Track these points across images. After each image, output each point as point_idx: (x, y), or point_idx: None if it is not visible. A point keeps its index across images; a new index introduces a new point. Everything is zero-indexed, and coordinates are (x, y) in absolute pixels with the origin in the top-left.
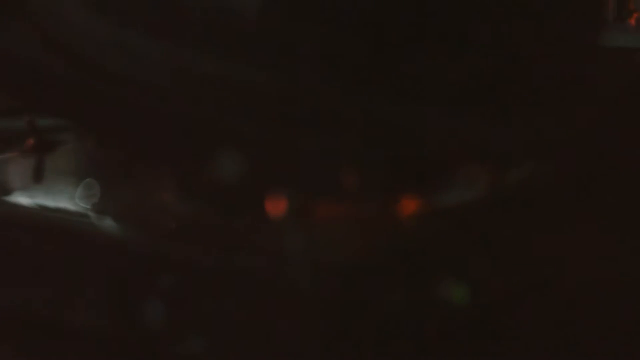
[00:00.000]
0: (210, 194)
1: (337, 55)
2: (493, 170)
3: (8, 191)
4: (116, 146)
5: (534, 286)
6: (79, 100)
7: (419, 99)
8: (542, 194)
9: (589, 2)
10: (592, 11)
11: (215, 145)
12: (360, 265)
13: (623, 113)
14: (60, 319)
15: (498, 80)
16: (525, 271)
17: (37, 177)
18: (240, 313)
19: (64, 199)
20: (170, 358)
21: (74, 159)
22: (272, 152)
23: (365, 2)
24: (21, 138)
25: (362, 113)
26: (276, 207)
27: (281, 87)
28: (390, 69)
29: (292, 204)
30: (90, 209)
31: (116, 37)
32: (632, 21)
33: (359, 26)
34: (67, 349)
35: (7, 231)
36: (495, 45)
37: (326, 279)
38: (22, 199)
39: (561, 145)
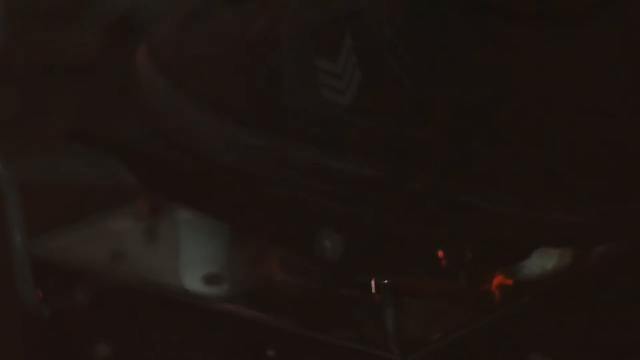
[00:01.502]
0: (313, 272)
1: (427, 148)
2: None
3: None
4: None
5: None
6: (190, 185)
7: (499, 186)
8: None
9: None
10: None
11: (319, 228)
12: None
13: None
14: None
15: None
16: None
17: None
18: None
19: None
20: None
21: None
22: (369, 235)
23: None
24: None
25: (451, 201)
26: (371, 285)
27: (376, 176)
28: (477, 163)
29: (387, 282)
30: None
31: (225, 132)
32: None
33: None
34: None
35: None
36: None
37: (413, 354)
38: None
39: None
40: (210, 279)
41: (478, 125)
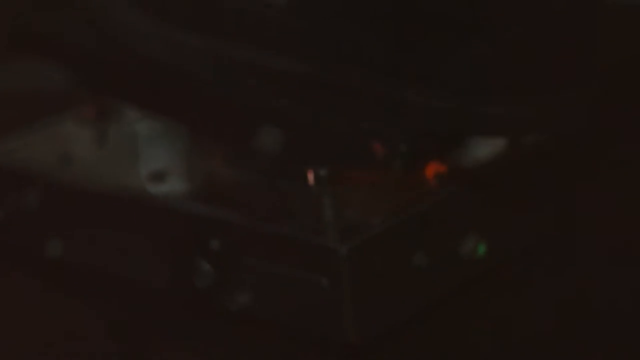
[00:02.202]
0: (254, 164)
1: (361, 45)
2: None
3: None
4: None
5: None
6: (133, 86)
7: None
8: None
9: None
10: None
11: (258, 124)
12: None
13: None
14: (125, 275)
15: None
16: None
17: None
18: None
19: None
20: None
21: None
22: (306, 129)
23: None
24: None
25: (385, 96)
26: (311, 176)
27: (311, 73)
28: (410, 59)
29: (324, 173)
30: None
31: (161, 31)
32: None
33: (382, 22)
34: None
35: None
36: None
37: (353, 240)
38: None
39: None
40: (154, 177)
41: (412, 21)
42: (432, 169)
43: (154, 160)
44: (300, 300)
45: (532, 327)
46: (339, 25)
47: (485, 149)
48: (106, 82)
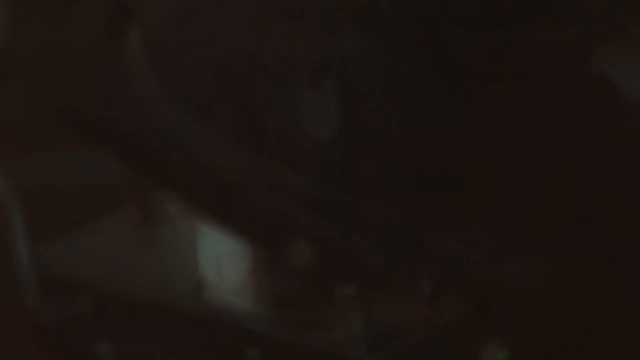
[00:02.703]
0: (290, 276)
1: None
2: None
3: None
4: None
5: None
6: (179, 183)
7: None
8: None
9: None
10: None
11: (296, 237)
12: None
13: None
14: None
15: None
16: None
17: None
18: None
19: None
20: None
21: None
22: (341, 248)
23: None
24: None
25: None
26: (342, 291)
27: (347, 202)
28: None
29: (354, 289)
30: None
31: (210, 138)
32: None
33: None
34: None
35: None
36: None
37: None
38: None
39: None
40: (195, 284)
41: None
42: (454, 298)
43: (195, 266)
44: None
45: None
46: (375, 164)
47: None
48: (154, 175)
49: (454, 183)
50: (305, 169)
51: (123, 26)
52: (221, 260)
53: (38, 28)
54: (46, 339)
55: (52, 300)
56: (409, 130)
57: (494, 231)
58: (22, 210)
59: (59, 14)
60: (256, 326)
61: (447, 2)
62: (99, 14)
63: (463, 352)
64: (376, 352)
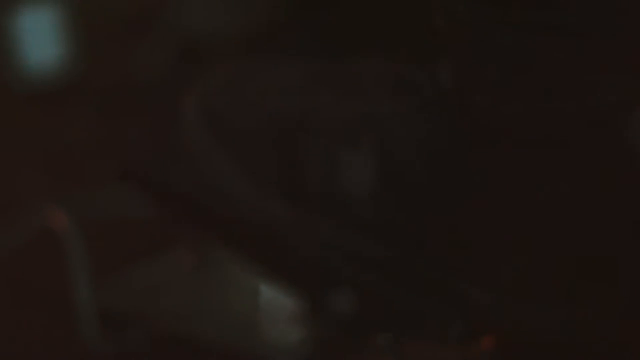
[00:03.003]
0: (331, 325)
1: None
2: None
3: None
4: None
5: None
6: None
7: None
8: None
9: None
10: None
11: (336, 286)
12: None
13: None
14: None
15: None
16: None
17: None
18: None
19: None
20: None
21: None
22: (378, 300)
23: None
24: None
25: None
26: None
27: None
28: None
29: (391, 340)
30: None
31: (256, 198)
32: None
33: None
34: None
35: None
36: None
37: None
38: None
39: None
40: (244, 327)
41: (479, 227)
42: (485, 343)
43: (243, 310)
44: None
45: None
46: (408, 218)
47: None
48: (206, 229)
49: (480, 236)
50: (343, 223)
51: (189, 67)
52: (267, 306)
53: (107, 63)
54: None
55: (108, 335)
56: (438, 188)
57: (516, 280)
58: (82, 245)
59: (129, 51)
60: None
61: (480, 74)
62: (169, 52)
63: None
64: None
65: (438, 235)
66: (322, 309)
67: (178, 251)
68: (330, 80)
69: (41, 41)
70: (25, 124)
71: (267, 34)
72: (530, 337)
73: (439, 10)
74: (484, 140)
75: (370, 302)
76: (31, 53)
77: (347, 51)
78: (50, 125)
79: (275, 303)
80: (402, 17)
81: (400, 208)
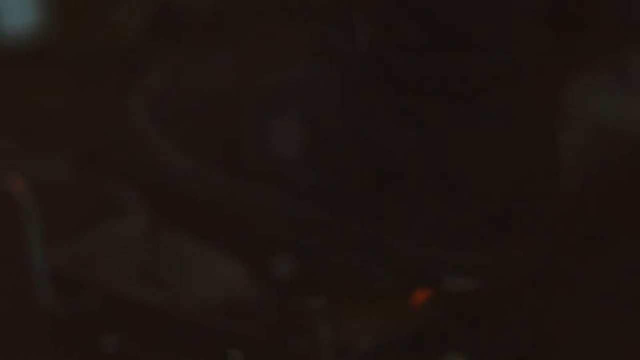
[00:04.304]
0: (271, 286)
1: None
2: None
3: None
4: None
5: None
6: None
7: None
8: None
9: None
10: None
11: (275, 251)
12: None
13: None
14: None
15: None
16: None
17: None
18: None
19: None
20: None
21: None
22: (314, 262)
23: None
24: None
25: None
26: (313, 301)
27: (315, 216)
28: (393, 212)
29: (324, 300)
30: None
31: (200, 172)
32: None
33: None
34: None
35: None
36: None
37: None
38: None
39: None
40: (189, 290)
41: (396, 181)
42: (417, 297)
43: (189, 277)
44: None
45: None
46: (335, 175)
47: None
48: (156, 203)
49: (399, 183)
50: (278, 189)
51: (162, 28)
52: (211, 271)
53: (82, 28)
54: (57, 331)
55: (63, 297)
56: (362, 143)
57: (437, 226)
58: (38, 210)
59: (102, 14)
60: (238, 330)
61: (391, 31)
62: (141, 16)
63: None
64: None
65: (367, 194)
66: (263, 274)
67: (129, 217)
68: (256, 53)
69: (17, 5)
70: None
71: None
72: (461, 287)
73: None
74: (404, 97)
75: (306, 264)
76: (6, 16)
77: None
78: (21, 89)
79: (219, 268)
80: None
81: (329, 170)
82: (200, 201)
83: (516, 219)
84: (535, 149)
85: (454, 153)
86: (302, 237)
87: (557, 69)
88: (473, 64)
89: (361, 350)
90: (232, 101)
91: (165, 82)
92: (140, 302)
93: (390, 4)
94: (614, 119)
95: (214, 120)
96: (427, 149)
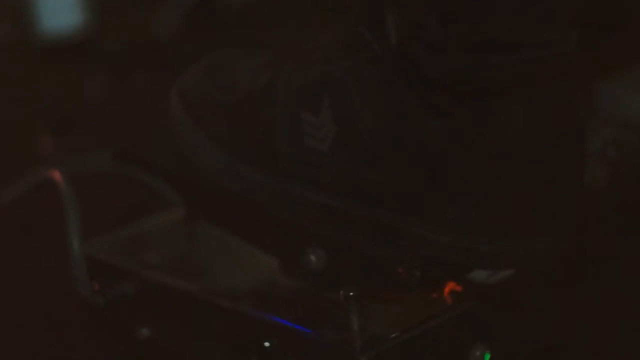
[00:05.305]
0: (303, 278)
1: (383, 188)
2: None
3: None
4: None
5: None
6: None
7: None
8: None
9: None
10: None
11: (307, 244)
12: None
13: None
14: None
15: None
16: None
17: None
18: None
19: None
20: None
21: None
22: (345, 253)
23: None
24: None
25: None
26: (344, 293)
27: (346, 208)
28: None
29: (355, 291)
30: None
31: (232, 166)
32: None
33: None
34: None
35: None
36: None
37: (372, 350)
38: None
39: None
40: (224, 280)
41: (426, 173)
42: (445, 290)
43: (223, 267)
44: None
45: None
46: (369, 168)
47: (491, 275)
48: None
49: (431, 175)
50: (310, 180)
51: (202, 21)
52: (245, 260)
53: (121, 25)
54: (94, 319)
55: (100, 286)
56: (395, 137)
57: (468, 218)
58: (77, 200)
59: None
60: (274, 319)
61: (421, 30)
62: (179, 13)
63: (450, 351)
64: (368, 350)
65: (399, 186)
66: (295, 265)
67: (166, 209)
68: (289, 50)
69: (61, 2)
70: (41, 78)
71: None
72: (491, 279)
73: None
74: (435, 93)
75: (338, 256)
76: (51, 9)
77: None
78: (63, 81)
79: (252, 259)
80: None
81: (362, 163)
82: (235, 194)
83: (545, 212)
84: (564, 144)
85: (484, 146)
86: (334, 229)
87: (585, 67)
88: (503, 63)
89: (391, 340)
90: (268, 96)
91: (203, 77)
92: (176, 291)
93: (421, 3)
94: None
95: (249, 115)
96: (458, 143)
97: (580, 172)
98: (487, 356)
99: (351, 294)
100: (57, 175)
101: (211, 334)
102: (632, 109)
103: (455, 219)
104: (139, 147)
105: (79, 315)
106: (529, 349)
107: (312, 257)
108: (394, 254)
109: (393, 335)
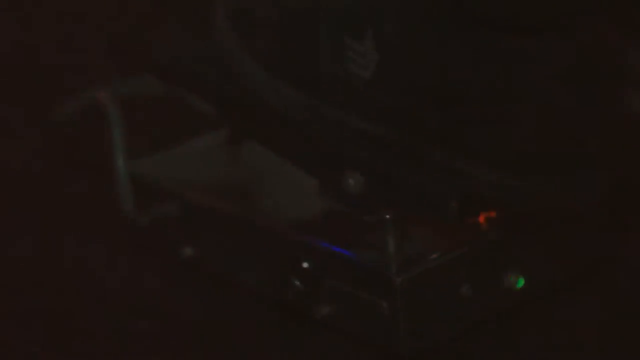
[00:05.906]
0: (341, 200)
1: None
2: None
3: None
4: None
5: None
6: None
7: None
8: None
9: None
10: None
11: (346, 167)
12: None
13: None
14: (237, 280)
15: None
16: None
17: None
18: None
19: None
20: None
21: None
22: (382, 177)
23: None
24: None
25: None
26: (382, 215)
27: (386, 134)
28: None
29: (391, 214)
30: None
31: (273, 84)
32: None
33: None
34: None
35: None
36: None
37: (408, 272)
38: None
39: None
40: (266, 201)
41: (467, 106)
42: (481, 216)
43: (265, 188)
44: (366, 316)
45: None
46: (409, 97)
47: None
48: (230, 114)
49: (472, 109)
50: (350, 106)
51: None
52: (286, 182)
53: None
54: (137, 239)
55: (144, 206)
56: (436, 68)
57: (506, 152)
58: (122, 121)
59: None
60: (311, 240)
61: None
62: None
63: (484, 276)
64: (404, 272)
65: (439, 117)
66: (334, 188)
67: (210, 130)
68: None
69: None
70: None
71: None
72: (527, 211)
73: None
74: (475, 27)
75: (376, 181)
76: None
77: None
78: (108, 4)
79: (293, 180)
80: None
81: (403, 92)
82: (279, 116)
83: (580, 150)
84: (602, 86)
85: (528, 82)
86: (373, 155)
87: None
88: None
89: (425, 265)
90: (311, 18)
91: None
92: (218, 212)
93: None
94: None
95: (293, 35)
96: (499, 77)
97: (618, 114)
98: (522, 281)
99: (387, 216)
100: (103, 95)
101: (252, 255)
102: None
103: (494, 152)
104: (184, 64)
105: (122, 236)
106: (565, 279)
107: (351, 181)
108: (431, 184)
109: (428, 257)
